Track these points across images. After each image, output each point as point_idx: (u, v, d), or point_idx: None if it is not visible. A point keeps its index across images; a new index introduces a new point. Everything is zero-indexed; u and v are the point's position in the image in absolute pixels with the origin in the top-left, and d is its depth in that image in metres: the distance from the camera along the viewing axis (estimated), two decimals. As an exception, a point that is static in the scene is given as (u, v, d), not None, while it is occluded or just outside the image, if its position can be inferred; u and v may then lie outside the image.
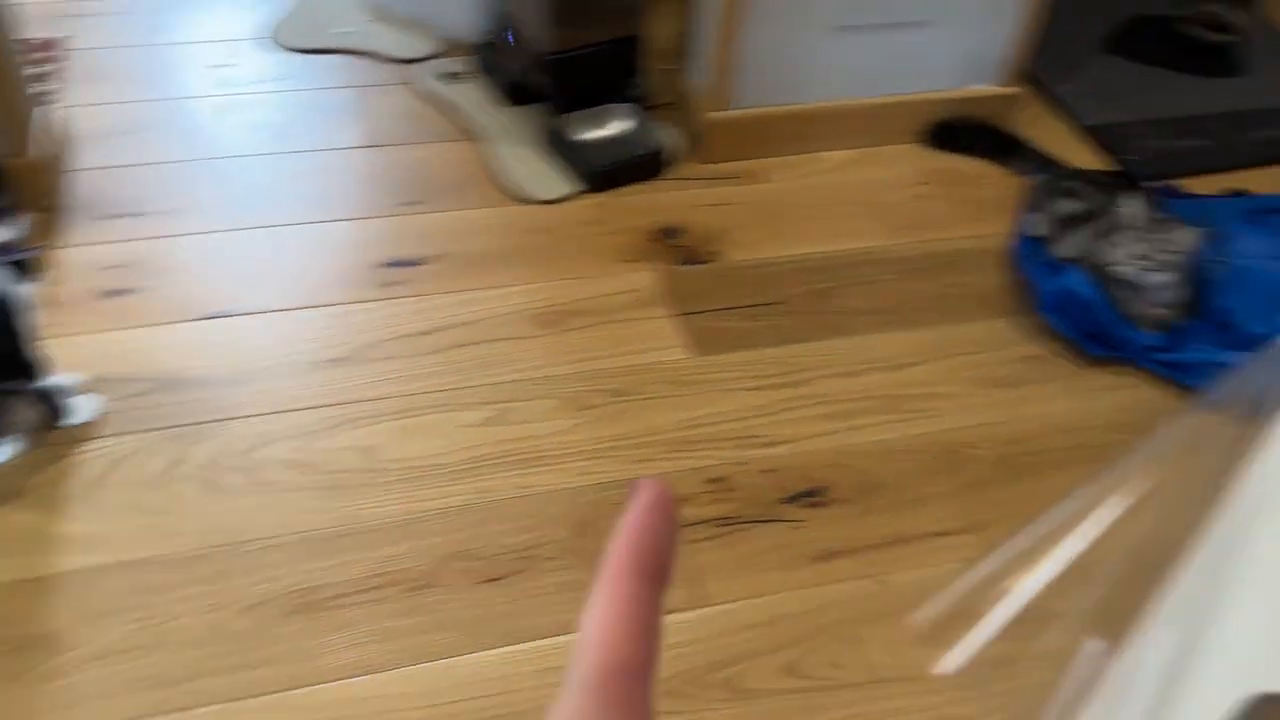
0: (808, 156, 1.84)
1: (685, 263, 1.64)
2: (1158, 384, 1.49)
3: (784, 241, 1.68)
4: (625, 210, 1.72)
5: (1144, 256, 1.46)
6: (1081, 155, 1.88)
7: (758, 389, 1.46)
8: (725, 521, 1.28)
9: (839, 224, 1.73)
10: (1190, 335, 1.46)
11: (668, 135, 1.81)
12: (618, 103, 1.79)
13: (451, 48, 2.00)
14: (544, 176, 1.74)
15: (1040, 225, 1.65)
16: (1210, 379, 1.48)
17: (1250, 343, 1.43)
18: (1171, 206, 1.64)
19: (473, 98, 1.88)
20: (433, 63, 1.97)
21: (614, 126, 1.78)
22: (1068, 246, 1.60)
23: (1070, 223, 1.61)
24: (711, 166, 1.80)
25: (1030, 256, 1.60)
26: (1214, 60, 2.17)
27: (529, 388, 1.43)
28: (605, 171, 1.72)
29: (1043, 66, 2.07)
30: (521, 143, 1.80)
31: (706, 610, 1.18)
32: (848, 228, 1.72)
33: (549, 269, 1.61)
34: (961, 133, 1.85)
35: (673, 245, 1.66)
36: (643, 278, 1.61)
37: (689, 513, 1.28)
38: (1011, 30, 1.81)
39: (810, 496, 1.32)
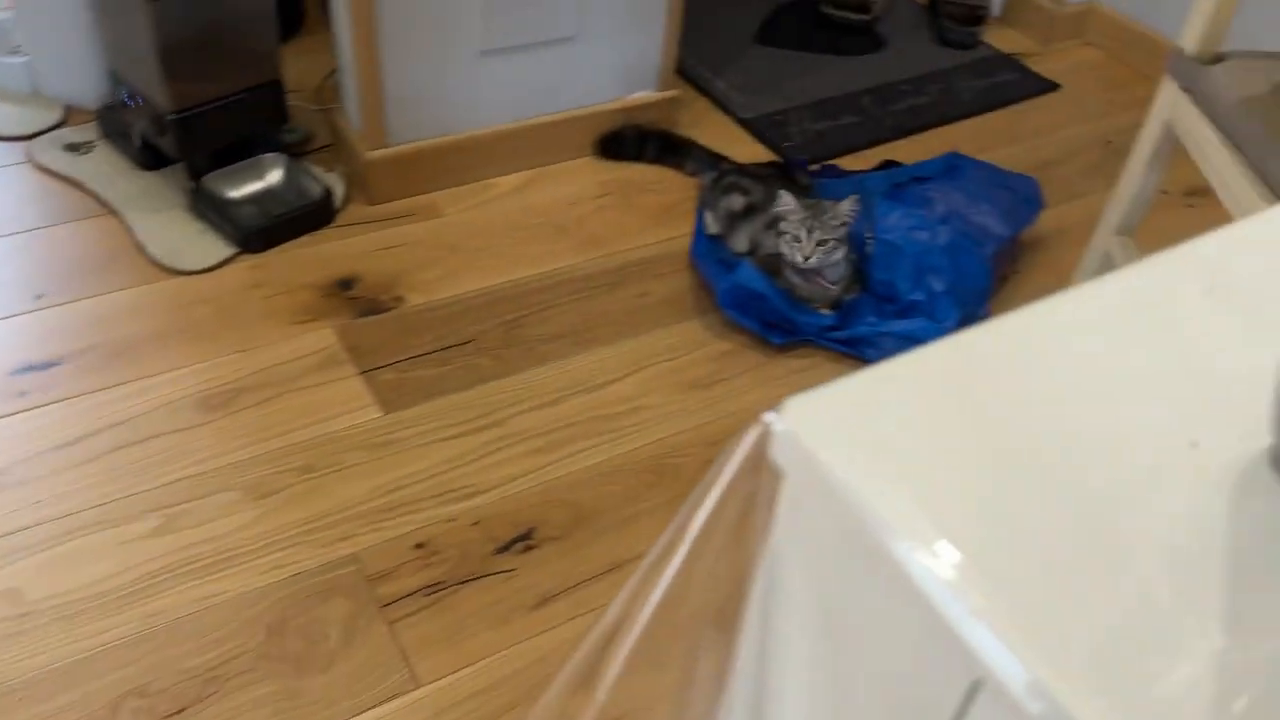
0: (480, 184, 1.79)
1: (365, 314, 1.54)
2: (838, 360, 1.54)
3: (467, 276, 1.63)
4: (292, 267, 1.60)
5: (807, 241, 1.50)
6: (746, 148, 1.94)
7: (457, 437, 1.39)
8: (433, 588, 1.21)
9: (522, 249, 1.69)
10: (859, 309, 1.52)
11: (330, 180, 1.71)
12: (268, 153, 1.68)
13: (73, 116, 1.81)
14: (195, 244, 1.60)
15: (713, 223, 1.68)
16: (881, 347, 1.54)
17: (911, 309, 1.51)
18: (830, 187, 1.71)
19: (104, 167, 1.70)
20: (53, 134, 1.77)
21: (266, 179, 1.66)
22: (740, 241, 1.64)
23: (740, 217, 1.65)
24: (380, 207, 1.72)
25: (707, 255, 1.63)
26: (857, 38, 2.30)
27: (203, 483, 1.29)
28: (262, 229, 1.60)
29: (700, 66, 2.12)
30: (164, 210, 1.64)
31: (419, 693, 1.10)
32: (531, 252, 1.69)
33: (214, 345, 1.47)
34: (630, 141, 1.86)
35: (349, 297, 1.57)
36: (321, 337, 1.50)
37: (392, 589, 1.20)
38: (659, 36, 1.83)
39: (522, 541, 1.27)
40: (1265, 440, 0.38)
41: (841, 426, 0.38)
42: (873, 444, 0.38)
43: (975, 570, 0.31)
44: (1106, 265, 1.38)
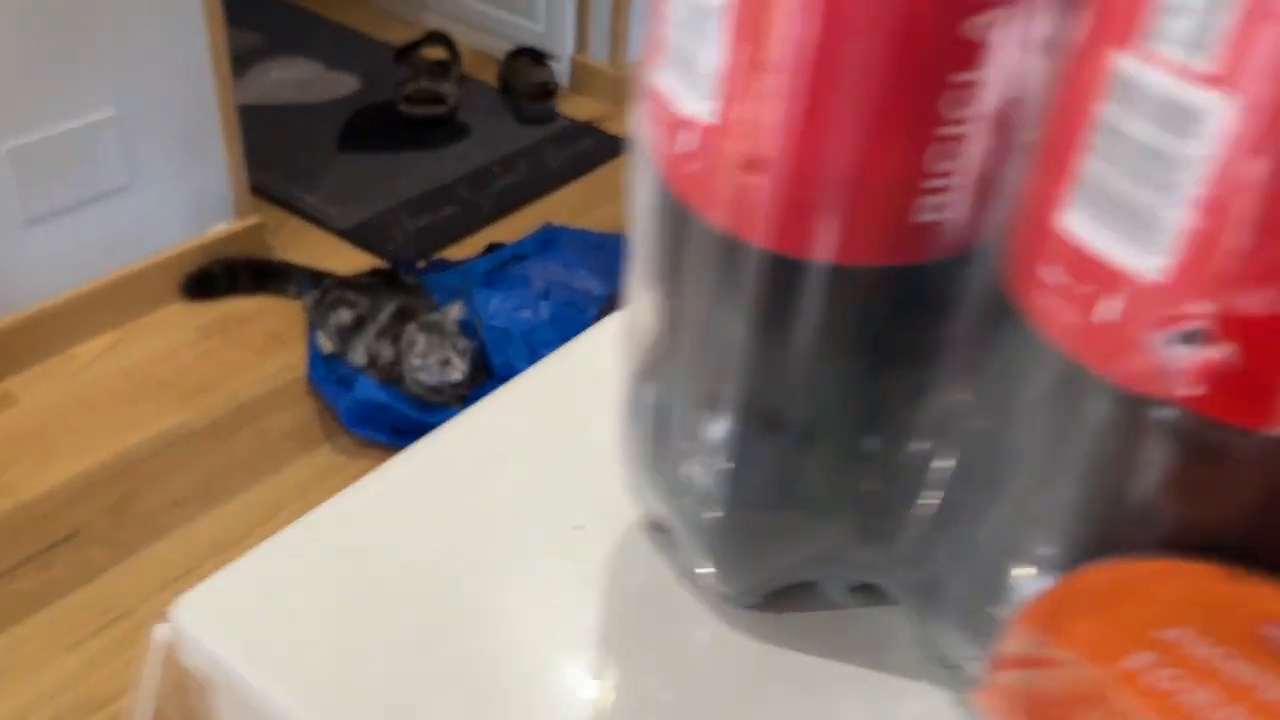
0: (58, 359, 1.63)
1: (-59, 536, 1.36)
2: (480, 452, 1.54)
3: (59, 463, 1.47)
4: None
5: (459, 358, 1.50)
6: (351, 258, 1.91)
7: (80, 642, 1.25)
8: (78, 825, 1.07)
9: (121, 417, 1.56)
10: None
11: None
12: None
13: None
14: None
15: (326, 342, 1.64)
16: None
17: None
18: (439, 281, 1.72)
19: None
20: None
21: None
22: (358, 354, 1.61)
23: (352, 330, 1.62)
24: (-61, 412, 1.53)
25: (326, 377, 1.58)
26: (440, 130, 2.34)
27: None
28: None
29: (285, 184, 2.07)
30: None
31: None
32: (132, 417, 1.56)
33: None
34: (219, 276, 1.77)
35: (-82, 522, 1.37)
36: (-110, 577, 1.30)
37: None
38: (222, 164, 1.77)
39: (175, 738, 1.16)
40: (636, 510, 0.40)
41: (250, 619, 0.37)
42: (276, 636, 0.36)
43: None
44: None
